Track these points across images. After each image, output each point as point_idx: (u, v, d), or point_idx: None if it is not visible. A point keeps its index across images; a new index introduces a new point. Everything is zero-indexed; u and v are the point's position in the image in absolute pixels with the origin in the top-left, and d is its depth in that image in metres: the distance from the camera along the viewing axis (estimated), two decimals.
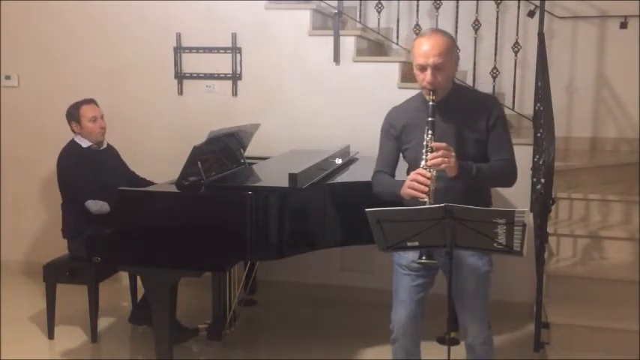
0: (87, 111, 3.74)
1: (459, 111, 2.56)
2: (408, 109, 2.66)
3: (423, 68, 2.48)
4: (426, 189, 2.37)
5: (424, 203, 2.35)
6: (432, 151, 2.39)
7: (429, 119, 2.44)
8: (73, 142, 3.78)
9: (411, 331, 2.68)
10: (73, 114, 3.76)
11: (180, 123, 4.52)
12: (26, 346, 3.67)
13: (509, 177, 2.58)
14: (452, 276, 2.45)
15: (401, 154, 2.70)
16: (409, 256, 2.62)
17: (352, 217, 3.13)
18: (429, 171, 2.39)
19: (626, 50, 4.69)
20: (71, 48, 4.66)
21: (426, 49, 2.46)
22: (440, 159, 2.37)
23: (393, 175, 2.71)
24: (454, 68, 2.56)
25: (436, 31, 2.58)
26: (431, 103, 2.46)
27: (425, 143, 2.42)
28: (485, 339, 2.66)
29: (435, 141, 2.42)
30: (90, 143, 3.77)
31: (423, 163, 2.40)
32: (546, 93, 3.53)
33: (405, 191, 2.45)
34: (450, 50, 2.50)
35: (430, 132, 2.43)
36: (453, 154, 2.40)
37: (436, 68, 2.46)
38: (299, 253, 3.18)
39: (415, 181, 2.40)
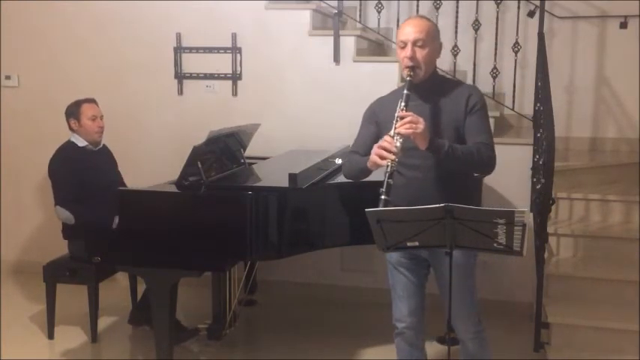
0: (87, 109, 3.75)
1: (437, 96, 2.57)
2: (392, 99, 2.63)
3: (403, 45, 2.52)
4: (391, 155, 2.34)
5: (389, 167, 2.34)
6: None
7: (404, 92, 2.45)
8: (68, 142, 3.78)
9: (413, 324, 2.69)
10: (73, 111, 3.76)
11: (180, 123, 4.52)
12: (26, 346, 3.67)
13: (485, 160, 2.49)
14: (451, 275, 2.45)
15: None
16: (397, 253, 2.64)
17: (352, 217, 3.14)
18: (396, 140, 2.36)
19: (626, 50, 4.69)
20: (71, 48, 4.66)
21: (407, 28, 2.53)
22: (407, 125, 2.34)
23: None
24: (435, 53, 2.57)
25: (421, 16, 2.69)
26: (408, 78, 2.49)
27: (396, 115, 2.41)
28: (475, 334, 2.64)
29: None
30: (86, 143, 3.76)
31: (392, 131, 2.39)
32: (546, 93, 3.53)
33: (372, 159, 2.44)
34: (432, 33, 2.54)
35: (403, 104, 2.42)
36: (422, 122, 2.37)
37: (415, 44, 2.49)
38: (299, 253, 3.18)
39: (381, 148, 2.38)
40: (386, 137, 2.41)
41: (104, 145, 3.91)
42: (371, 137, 2.65)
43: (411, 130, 2.35)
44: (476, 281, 2.66)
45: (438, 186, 2.52)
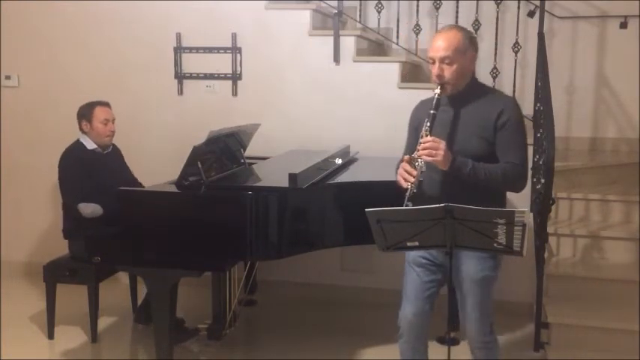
0: (100, 112, 3.72)
1: (470, 108, 2.55)
2: (430, 103, 2.64)
3: (433, 61, 2.52)
4: (411, 179, 2.41)
5: (408, 191, 2.41)
6: None
7: (431, 111, 2.47)
8: (77, 143, 3.74)
9: (417, 327, 2.68)
10: (86, 113, 3.72)
11: (180, 123, 4.53)
12: (26, 346, 3.67)
13: (510, 182, 2.51)
14: (451, 276, 2.46)
15: None
16: (416, 252, 2.63)
17: (352, 217, 3.13)
18: (417, 162, 2.43)
19: (626, 50, 4.69)
20: (71, 48, 4.66)
21: (436, 43, 2.51)
22: (426, 151, 2.40)
23: None
24: (467, 65, 2.54)
25: (452, 26, 2.63)
26: (436, 96, 2.49)
27: (422, 134, 2.45)
28: (484, 344, 2.63)
29: (441, 135, 2.47)
30: (95, 146, 3.73)
31: (415, 153, 2.45)
32: (546, 93, 3.53)
33: (398, 179, 2.49)
34: (460, 47, 2.50)
35: (428, 124, 2.46)
36: (442, 147, 2.41)
37: (443, 62, 2.48)
38: (299, 253, 3.18)
39: (403, 170, 2.46)
40: (406, 157, 2.47)
41: (114, 146, 3.88)
42: (413, 144, 2.66)
43: (429, 158, 2.41)
44: (493, 294, 2.64)
45: (458, 186, 2.50)
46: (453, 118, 2.55)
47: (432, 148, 2.40)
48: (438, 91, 2.50)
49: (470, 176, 2.45)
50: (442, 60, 2.48)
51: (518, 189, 2.55)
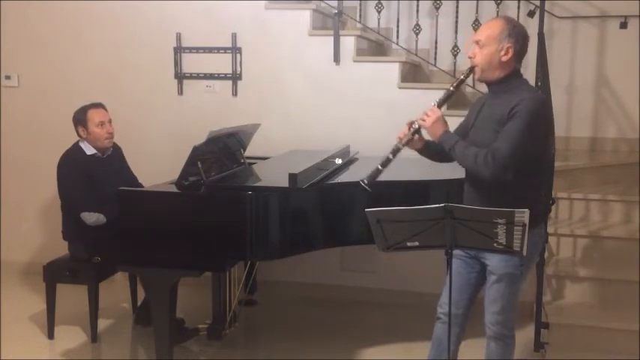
0: (94, 115, 3.66)
1: (496, 101, 2.58)
2: (484, 96, 2.73)
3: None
4: (401, 135, 2.64)
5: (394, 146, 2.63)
6: None
7: (450, 88, 2.62)
8: (76, 148, 3.70)
9: (448, 314, 2.66)
10: (80, 118, 3.67)
11: (180, 123, 4.52)
12: (26, 346, 3.67)
13: (482, 168, 2.44)
14: (451, 276, 2.46)
15: None
16: None
17: (352, 218, 3.14)
18: (414, 125, 2.63)
19: (626, 50, 4.69)
20: (71, 48, 4.66)
21: (479, 27, 2.65)
22: (421, 115, 2.59)
23: None
24: (499, 54, 2.52)
25: (502, 16, 2.74)
26: (461, 76, 2.60)
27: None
28: (501, 336, 2.64)
29: (467, 122, 2.68)
30: (94, 151, 3.70)
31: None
32: (546, 93, 3.53)
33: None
34: (496, 35, 2.51)
35: (440, 98, 2.62)
36: (434, 117, 2.55)
37: (476, 43, 2.56)
38: (299, 253, 3.18)
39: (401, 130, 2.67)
40: (408, 121, 2.66)
41: (115, 146, 3.83)
42: (463, 126, 2.77)
43: (420, 122, 2.59)
44: (518, 292, 2.64)
45: (483, 190, 2.55)
46: (482, 109, 2.63)
47: (426, 114, 2.56)
48: (466, 72, 2.59)
49: (450, 152, 2.55)
50: (477, 42, 2.56)
51: (493, 177, 2.44)
